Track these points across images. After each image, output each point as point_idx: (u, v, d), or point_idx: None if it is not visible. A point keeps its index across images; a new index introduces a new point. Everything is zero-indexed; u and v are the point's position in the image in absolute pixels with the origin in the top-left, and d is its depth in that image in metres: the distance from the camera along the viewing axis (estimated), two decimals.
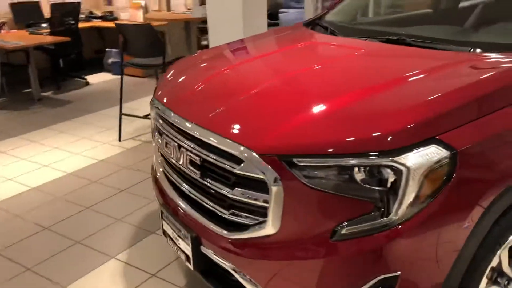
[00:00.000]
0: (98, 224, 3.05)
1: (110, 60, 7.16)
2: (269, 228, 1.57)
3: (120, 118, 4.49)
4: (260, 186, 1.56)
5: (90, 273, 2.56)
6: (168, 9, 7.04)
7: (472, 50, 1.93)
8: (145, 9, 7.01)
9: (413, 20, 2.80)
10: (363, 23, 2.88)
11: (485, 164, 1.50)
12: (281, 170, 1.50)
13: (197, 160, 1.77)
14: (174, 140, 1.93)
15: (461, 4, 2.77)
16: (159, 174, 2.22)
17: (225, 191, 1.68)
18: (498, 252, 1.63)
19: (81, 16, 6.98)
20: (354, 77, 1.86)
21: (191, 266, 1.93)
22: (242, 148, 1.57)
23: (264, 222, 1.58)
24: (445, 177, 1.43)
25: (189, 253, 1.90)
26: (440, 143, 1.43)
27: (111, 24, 7.18)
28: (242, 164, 1.58)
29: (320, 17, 2.92)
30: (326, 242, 1.49)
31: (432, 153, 1.42)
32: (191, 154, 1.80)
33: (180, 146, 1.88)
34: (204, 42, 7.19)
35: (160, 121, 2.10)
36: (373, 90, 1.66)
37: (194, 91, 2.02)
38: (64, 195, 3.45)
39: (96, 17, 7.64)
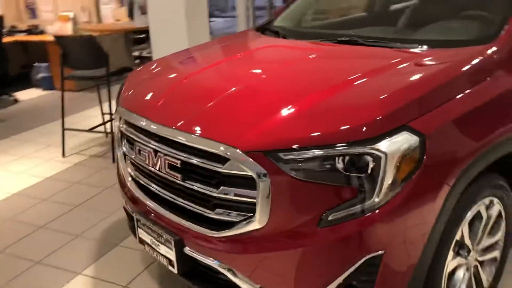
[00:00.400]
0: (57, 242, 2.94)
1: (39, 75, 6.87)
2: (257, 222, 1.64)
3: (63, 133, 4.34)
4: (246, 182, 1.63)
5: None
6: (99, 20, 6.89)
7: (420, 47, 2.13)
8: (74, 21, 6.81)
9: (356, 23, 3.00)
10: (312, 27, 3.04)
11: (449, 146, 1.67)
12: (268, 165, 1.58)
13: (177, 163, 1.80)
14: (148, 147, 1.94)
15: (395, 6, 3.01)
16: (129, 183, 2.21)
17: (209, 191, 1.73)
18: (461, 226, 1.81)
19: (3, 30, 6.64)
20: (322, 75, 1.99)
21: (174, 270, 1.94)
22: (226, 147, 1.63)
23: (251, 217, 1.65)
24: (417, 160, 1.58)
25: (172, 257, 1.92)
26: (410, 129, 1.58)
27: (38, 38, 6.91)
28: (227, 163, 1.64)
29: (269, 23, 3.04)
30: (314, 229, 1.58)
31: (404, 139, 1.56)
32: (170, 159, 1.83)
33: (156, 152, 1.90)
34: (136, 53, 7.12)
35: (130, 129, 2.10)
36: (343, 86, 1.79)
37: (167, 97, 2.04)
38: (13, 216, 3.29)
39: (20, 31, 7.30)
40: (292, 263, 1.64)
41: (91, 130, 4.39)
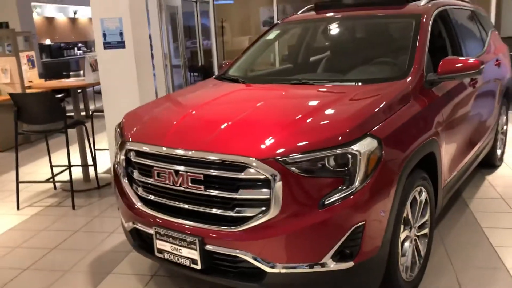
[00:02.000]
0: (48, 279, 3.14)
1: None
2: (272, 213, 2.20)
3: (17, 186, 4.47)
4: (260, 184, 2.20)
5: None
6: (22, 81, 7.00)
7: (357, 83, 2.91)
8: None
9: (298, 69, 3.79)
10: (263, 74, 3.75)
11: (396, 146, 2.40)
12: (278, 168, 2.17)
13: (200, 177, 2.31)
14: (168, 168, 2.42)
15: (325, 56, 3.83)
16: (140, 204, 2.63)
17: (231, 195, 2.26)
18: (406, 206, 2.53)
19: None
20: (299, 105, 2.66)
21: (198, 266, 2.39)
22: (246, 158, 2.20)
23: (267, 210, 2.20)
24: (378, 156, 2.27)
25: (196, 256, 2.37)
26: (372, 135, 2.28)
27: None
28: (245, 170, 2.20)
29: (224, 74, 3.68)
30: (316, 211, 2.18)
31: (369, 142, 2.26)
32: (193, 174, 2.33)
33: (177, 171, 2.39)
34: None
35: (140, 158, 2.57)
36: (318, 110, 2.48)
37: (178, 128, 2.55)
38: None
39: None
40: (300, 239, 2.21)
41: (47, 180, 4.57)
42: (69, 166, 4.43)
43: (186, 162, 2.38)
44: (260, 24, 11.72)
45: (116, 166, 2.93)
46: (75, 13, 16.52)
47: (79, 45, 16.24)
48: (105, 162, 5.51)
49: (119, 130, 2.94)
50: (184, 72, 9.72)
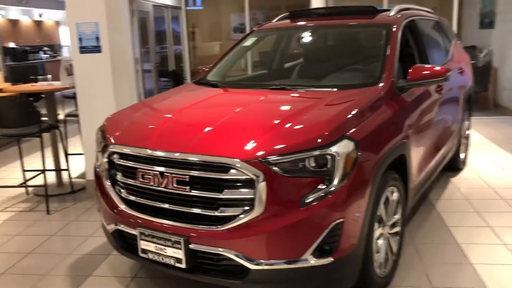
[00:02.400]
0: (26, 283, 3.13)
1: None
2: (256, 212, 2.29)
3: None
4: (244, 184, 2.30)
5: None
6: None
7: (332, 89, 3.05)
8: None
9: (274, 75, 3.91)
10: (242, 79, 3.86)
11: (371, 147, 2.54)
12: (262, 168, 2.27)
13: (185, 178, 2.39)
14: (153, 170, 2.49)
15: (299, 63, 3.97)
16: (124, 206, 2.68)
17: (215, 195, 2.34)
18: (380, 204, 2.68)
19: None
20: (279, 109, 2.78)
21: (182, 265, 2.45)
22: (231, 159, 2.29)
23: (251, 209, 2.30)
24: (355, 157, 2.40)
25: (180, 255, 2.44)
26: (348, 138, 2.42)
27: None
28: (230, 171, 2.29)
29: (202, 79, 3.77)
30: (297, 209, 2.29)
31: (346, 144, 2.39)
32: (178, 175, 2.40)
33: (162, 173, 2.45)
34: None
35: (124, 160, 2.62)
36: (298, 114, 2.59)
37: (162, 131, 2.62)
38: None
39: None
40: (282, 237, 2.31)
41: (21, 185, 4.52)
42: (44, 171, 4.40)
43: (172, 164, 2.44)
44: (231, 30, 11.84)
45: (98, 168, 2.97)
46: (40, 15, 16.19)
47: (45, 48, 15.92)
48: (78, 166, 5.48)
49: (100, 133, 2.98)
50: (155, 77, 9.72)
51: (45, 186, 4.38)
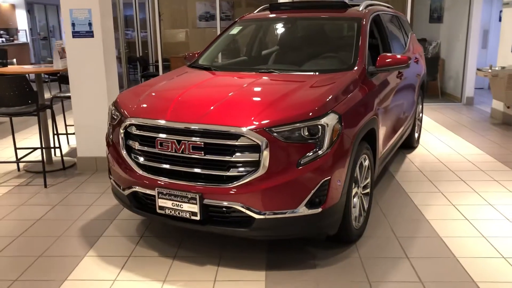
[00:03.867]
0: (21, 265, 3.19)
1: None
2: (260, 172, 2.80)
3: None
4: (251, 149, 2.80)
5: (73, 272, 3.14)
6: None
7: (315, 73, 3.59)
8: None
9: (261, 60, 4.42)
10: (232, 63, 4.34)
11: (351, 120, 3.10)
12: (267, 136, 2.77)
13: (201, 144, 2.86)
14: (171, 139, 2.93)
15: (286, 49, 4.46)
16: (141, 172, 3.11)
17: (227, 158, 2.83)
18: (357, 168, 3.25)
19: None
20: (275, 88, 3.29)
21: (197, 218, 2.93)
22: (240, 128, 2.78)
23: (256, 170, 2.80)
24: (339, 128, 2.95)
25: (196, 209, 2.91)
26: (334, 112, 2.96)
27: None
28: (240, 138, 2.78)
29: (195, 62, 4.22)
30: (294, 169, 2.82)
31: (333, 117, 2.93)
32: (194, 142, 2.87)
33: (179, 141, 2.91)
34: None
35: (142, 131, 3.06)
36: (292, 92, 3.11)
37: (176, 104, 3.07)
38: None
39: None
40: (282, 191, 2.83)
41: (17, 161, 4.79)
42: (42, 148, 4.70)
43: (188, 133, 2.90)
44: (197, 18, 12.16)
45: (110, 140, 3.37)
46: None
47: (1, 32, 15.59)
48: (64, 145, 5.76)
49: (113, 108, 3.38)
50: (125, 63, 9.95)
51: (42, 161, 4.68)
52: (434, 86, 9.77)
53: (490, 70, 6.98)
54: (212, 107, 2.99)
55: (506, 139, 6.32)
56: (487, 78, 7.60)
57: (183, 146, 2.92)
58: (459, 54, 9.25)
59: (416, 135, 5.84)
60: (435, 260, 3.16)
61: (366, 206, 3.58)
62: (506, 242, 3.39)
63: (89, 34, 4.82)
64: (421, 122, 6.11)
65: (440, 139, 6.35)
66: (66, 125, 6.22)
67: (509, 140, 6.30)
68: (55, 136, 5.42)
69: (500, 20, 9.80)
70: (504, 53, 7.42)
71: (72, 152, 5.81)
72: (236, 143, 2.81)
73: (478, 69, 7.29)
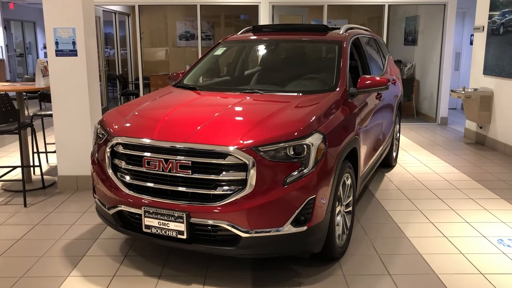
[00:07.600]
0: (24, 266, 3.45)
1: None
2: (247, 190, 2.85)
3: None
4: (238, 168, 2.85)
5: None
6: None
7: (299, 93, 3.69)
8: None
9: (244, 80, 4.49)
10: (217, 83, 4.41)
11: (334, 140, 3.19)
12: (253, 155, 2.83)
13: (188, 163, 2.90)
14: (158, 158, 2.96)
15: (269, 70, 4.57)
16: (127, 191, 3.12)
17: (214, 177, 2.87)
18: (340, 187, 3.33)
19: None
20: (260, 108, 3.35)
21: (184, 236, 2.95)
22: (228, 147, 2.83)
23: (243, 188, 2.85)
24: (323, 148, 3.04)
25: (182, 228, 2.93)
26: (318, 132, 3.05)
27: None
28: (227, 157, 2.84)
29: (179, 82, 4.27)
30: (281, 187, 2.88)
31: (317, 137, 3.02)
32: (182, 161, 2.90)
33: (166, 160, 2.94)
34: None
35: (129, 150, 3.08)
36: (277, 112, 3.19)
37: (163, 124, 3.11)
38: None
39: None
40: (268, 210, 2.88)
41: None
42: (22, 166, 4.64)
43: (176, 152, 2.94)
44: (177, 37, 12.25)
45: (96, 158, 3.38)
46: None
47: None
48: (43, 163, 5.70)
49: (99, 127, 3.39)
50: (105, 80, 9.92)
51: (23, 180, 4.62)
52: (410, 106, 10.04)
53: (463, 92, 7.24)
54: (199, 127, 3.04)
55: (480, 158, 6.54)
56: (460, 99, 7.86)
57: (170, 165, 2.95)
58: (433, 75, 9.55)
59: (394, 154, 5.99)
60: (416, 277, 3.24)
61: (348, 224, 3.65)
62: (483, 259, 3.50)
63: (73, 53, 4.83)
64: (398, 141, 6.27)
65: (417, 158, 6.52)
66: (45, 144, 6.16)
67: (482, 159, 6.51)
68: (35, 154, 5.35)
69: (471, 43, 10.19)
70: (475, 76, 7.71)
71: (52, 170, 5.75)
72: (224, 162, 2.85)
73: (452, 91, 7.55)
